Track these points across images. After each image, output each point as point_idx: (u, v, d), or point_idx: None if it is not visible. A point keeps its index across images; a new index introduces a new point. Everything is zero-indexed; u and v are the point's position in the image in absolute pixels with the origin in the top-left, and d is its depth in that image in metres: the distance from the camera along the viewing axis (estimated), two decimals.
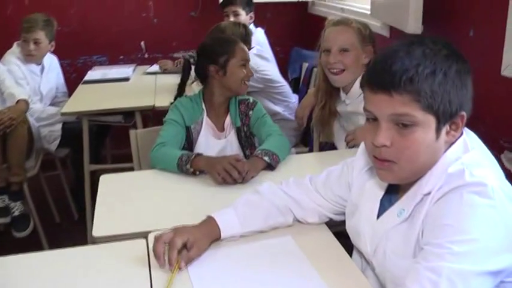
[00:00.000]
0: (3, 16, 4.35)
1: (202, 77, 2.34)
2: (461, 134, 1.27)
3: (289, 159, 2.19)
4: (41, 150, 3.51)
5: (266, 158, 2.06)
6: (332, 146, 2.81)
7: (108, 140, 4.28)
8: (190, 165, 2.02)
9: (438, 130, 1.21)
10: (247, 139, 2.35)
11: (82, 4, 4.51)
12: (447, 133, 1.24)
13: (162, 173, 2.11)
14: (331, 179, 1.59)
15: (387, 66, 1.20)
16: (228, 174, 1.93)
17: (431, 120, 1.20)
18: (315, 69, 3.59)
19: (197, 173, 2.04)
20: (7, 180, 3.19)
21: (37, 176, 3.43)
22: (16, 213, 3.16)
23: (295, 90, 3.76)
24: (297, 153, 3.33)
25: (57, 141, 3.55)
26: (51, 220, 3.75)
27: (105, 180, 2.04)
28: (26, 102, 3.26)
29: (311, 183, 1.62)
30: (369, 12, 3.26)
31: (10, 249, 3.27)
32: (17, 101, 3.24)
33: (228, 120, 2.35)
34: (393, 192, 1.38)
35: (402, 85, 1.18)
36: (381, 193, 1.39)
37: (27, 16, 3.60)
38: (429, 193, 1.23)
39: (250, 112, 2.35)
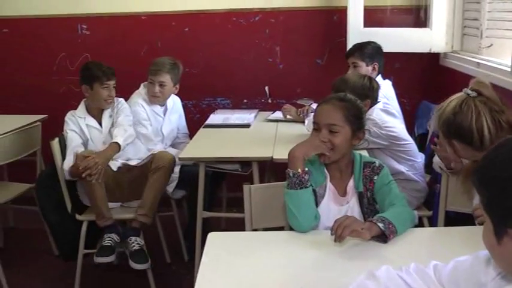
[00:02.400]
0: (138, 56, 4.52)
1: None
2: None
3: (408, 233, 1.98)
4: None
5: (381, 225, 1.88)
6: (460, 216, 2.59)
7: (225, 183, 4.25)
8: None
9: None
10: (369, 206, 2.18)
11: (210, 47, 4.59)
12: None
13: (274, 236, 2.02)
14: (458, 273, 1.38)
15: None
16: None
17: None
18: None
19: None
20: (122, 220, 3.25)
21: (154, 214, 3.45)
22: (136, 247, 3.18)
23: (421, 147, 3.54)
24: (419, 216, 3.14)
25: (175, 183, 3.57)
26: (161, 259, 3.78)
27: (213, 239, 1.95)
28: (117, 146, 3.31)
29: (435, 273, 1.43)
30: (509, 69, 3.01)
31: (117, 282, 3.41)
32: (110, 144, 3.31)
33: (351, 183, 2.19)
34: None
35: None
36: None
37: (155, 59, 3.71)
38: None
39: (375, 177, 2.17)
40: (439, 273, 1.42)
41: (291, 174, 2.08)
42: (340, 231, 1.81)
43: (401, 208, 2.05)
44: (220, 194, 4.27)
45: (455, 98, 2.00)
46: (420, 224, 3.13)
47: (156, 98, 3.69)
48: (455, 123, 1.97)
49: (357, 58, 3.70)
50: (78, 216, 3.25)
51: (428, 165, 3.31)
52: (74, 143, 3.31)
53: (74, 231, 3.26)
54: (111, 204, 3.26)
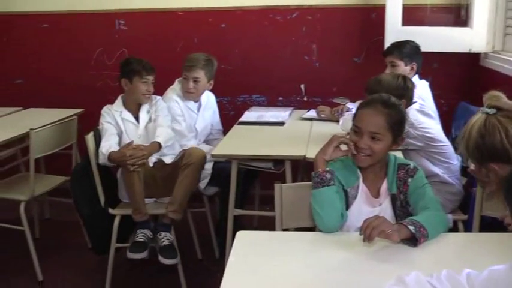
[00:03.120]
0: (174, 52, 4.54)
1: None
2: None
3: (441, 238, 1.92)
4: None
5: (411, 228, 1.83)
6: (497, 221, 2.51)
7: (258, 181, 4.23)
8: None
9: None
10: (402, 208, 2.13)
11: (246, 44, 4.58)
12: None
13: (302, 236, 1.99)
14: (492, 283, 1.33)
15: None
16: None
17: None
18: None
19: None
20: (155, 215, 3.27)
21: (184, 210, 3.46)
22: (166, 242, 3.20)
23: (458, 149, 3.46)
24: (454, 220, 3.08)
25: (207, 180, 3.57)
26: (193, 255, 3.80)
27: (241, 237, 1.94)
28: (159, 145, 3.34)
29: (468, 281, 1.38)
30: None
31: (148, 276, 3.43)
32: (151, 142, 3.34)
33: (384, 185, 2.15)
34: None
35: None
36: None
37: (189, 55, 3.72)
38: None
39: (410, 179, 2.13)
40: (472, 281, 1.37)
41: (313, 175, 2.09)
42: (368, 232, 1.78)
43: (434, 212, 1.99)
44: (253, 192, 4.26)
45: (475, 121, 1.83)
46: (455, 229, 3.08)
47: (190, 94, 3.70)
48: (486, 146, 1.79)
49: (395, 57, 3.62)
50: (111, 210, 3.27)
51: (464, 168, 3.24)
52: (109, 131, 3.34)
53: (106, 225, 3.29)
54: (145, 200, 3.28)
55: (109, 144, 3.24)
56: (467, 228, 3.02)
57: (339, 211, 2.05)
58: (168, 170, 3.34)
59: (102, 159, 3.21)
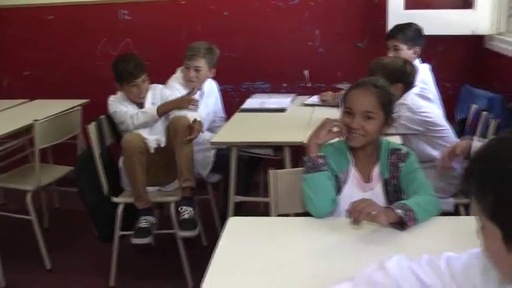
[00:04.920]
0: (177, 42, 4.55)
1: None
2: None
3: (433, 222, 1.93)
4: (194, 175, 3.57)
5: (399, 211, 1.83)
6: None
7: (262, 168, 4.25)
8: None
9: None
10: (395, 193, 2.12)
11: (249, 32, 4.59)
12: None
13: (294, 221, 2.04)
14: (472, 265, 1.31)
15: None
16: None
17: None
18: (484, 113, 3.28)
19: None
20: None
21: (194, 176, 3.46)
22: (185, 216, 3.23)
23: (461, 133, 3.45)
24: (456, 204, 3.07)
25: (210, 167, 3.60)
26: (198, 242, 3.83)
27: (233, 223, 1.97)
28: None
29: (448, 265, 1.36)
30: None
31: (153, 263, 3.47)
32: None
33: (376, 170, 2.15)
34: None
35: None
36: None
37: (191, 44, 3.72)
38: None
39: (402, 164, 2.11)
40: (452, 265, 1.34)
41: (306, 160, 2.10)
42: (356, 215, 1.80)
43: (424, 196, 1.99)
44: (258, 179, 4.27)
45: None
46: (456, 213, 3.08)
47: (191, 83, 3.71)
48: None
49: (398, 41, 3.60)
50: (114, 199, 3.31)
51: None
52: (126, 110, 3.37)
53: (112, 213, 3.33)
54: (150, 188, 3.32)
55: (149, 108, 3.35)
56: (469, 212, 3.01)
57: (330, 197, 2.07)
58: (167, 154, 3.35)
59: (146, 118, 3.32)
